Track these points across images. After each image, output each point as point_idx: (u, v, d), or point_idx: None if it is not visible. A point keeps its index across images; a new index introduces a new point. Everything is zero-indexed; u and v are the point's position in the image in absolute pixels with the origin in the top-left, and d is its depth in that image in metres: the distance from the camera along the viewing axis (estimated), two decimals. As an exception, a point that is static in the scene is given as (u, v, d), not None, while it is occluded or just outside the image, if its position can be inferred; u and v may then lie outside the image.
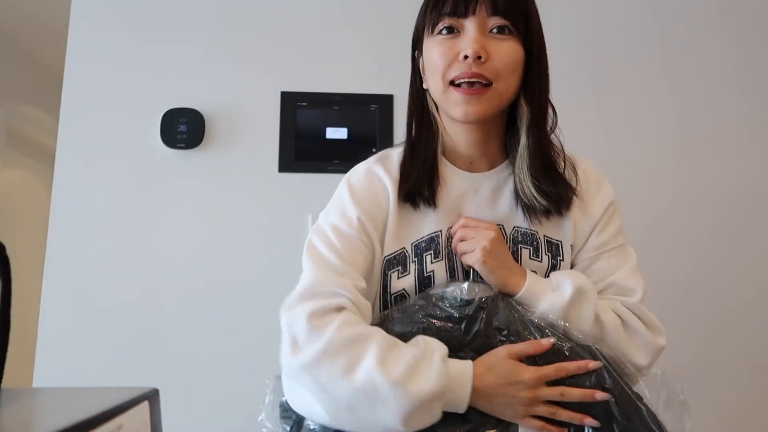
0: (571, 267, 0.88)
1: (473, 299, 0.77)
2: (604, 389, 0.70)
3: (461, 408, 0.70)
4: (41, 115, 3.25)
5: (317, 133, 1.69)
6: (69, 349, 1.52)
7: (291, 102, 1.68)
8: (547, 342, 0.72)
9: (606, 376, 0.71)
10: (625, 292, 0.85)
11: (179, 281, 1.58)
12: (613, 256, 0.87)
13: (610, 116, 1.77)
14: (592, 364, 0.71)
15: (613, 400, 0.70)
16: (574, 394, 0.70)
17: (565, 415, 0.70)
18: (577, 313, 0.78)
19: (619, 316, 0.81)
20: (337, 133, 1.69)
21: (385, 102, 1.69)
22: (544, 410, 0.71)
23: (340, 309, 0.75)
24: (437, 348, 0.72)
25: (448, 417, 0.70)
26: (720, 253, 1.74)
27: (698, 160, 1.77)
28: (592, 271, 0.87)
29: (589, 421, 0.70)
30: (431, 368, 0.68)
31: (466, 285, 0.78)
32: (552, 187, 0.84)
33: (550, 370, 0.71)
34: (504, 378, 0.70)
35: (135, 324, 1.55)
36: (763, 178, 1.79)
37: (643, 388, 0.77)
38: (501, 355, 0.72)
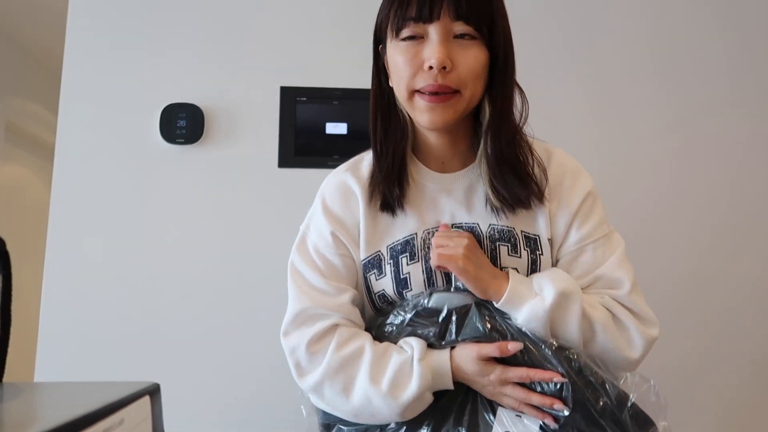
0: (556, 262, 0.87)
1: (441, 309, 0.80)
2: (564, 403, 0.74)
3: (449, 388, 0.79)
4: (40, 111, 3.25)
5: (317, 128, 1.68)
6: (70, 344, 1.52)
7: (290, 97, 1.68)
8: (514, 348, 0.76)
9: (569, 392, 0.73)
10: (613, 284, 0.83)
11: (179, 276, 1.58)
12: (599, 247, 0.85)
13: (605, 110, 1.76)
14: (557, 378, 0.74)
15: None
16: (536, 377, 0.76)
17: (536, 399, 0.75)
18: (561, 318, 0.77)
19: (609, 310, 0.81)
20: (336, 128, 1.69)
21: (384, 97, 1.69)
22: (516, 392, 0.76)
23: (334, 328, 0.83)
24: (416, 349, 0.79)
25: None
26: (718, 247, 1.74)
27: (695, 153, 1.77)
28: (578, 265, 0.85)
29: (559, 406, 0.73)
30: (412, 373, 0.77)
31: (434, 296, 0.81)
32: (507, 193, 0.83)
33: (515, 375, 0.76)
34: (473, 375, 0.78)
35: (135, 318, 1.55)
36: (763, 171, 1.79)
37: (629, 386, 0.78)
38: (471, 356, 0.77)
